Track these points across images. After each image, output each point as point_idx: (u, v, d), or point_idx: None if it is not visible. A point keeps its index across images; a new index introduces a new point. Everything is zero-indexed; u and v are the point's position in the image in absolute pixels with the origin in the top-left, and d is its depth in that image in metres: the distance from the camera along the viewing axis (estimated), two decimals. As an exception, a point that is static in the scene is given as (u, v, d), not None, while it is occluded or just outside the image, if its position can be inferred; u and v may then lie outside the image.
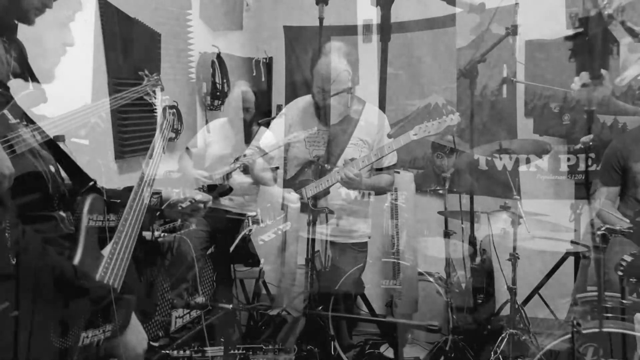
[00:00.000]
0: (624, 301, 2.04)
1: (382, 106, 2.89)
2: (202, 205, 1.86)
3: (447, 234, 3.27)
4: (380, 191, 2.75)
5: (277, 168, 2.98)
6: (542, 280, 2.98)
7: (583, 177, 3.34)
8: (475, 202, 3.12)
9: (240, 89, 3.26)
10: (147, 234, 2.42)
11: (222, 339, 2.13)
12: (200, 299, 2.16)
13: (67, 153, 1.42)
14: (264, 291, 3.28)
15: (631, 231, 2.11)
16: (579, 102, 3.45)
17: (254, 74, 4.25)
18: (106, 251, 1.40)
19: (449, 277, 3.03)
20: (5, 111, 1.23)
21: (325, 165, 2.52)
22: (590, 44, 3.23)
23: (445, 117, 2.34)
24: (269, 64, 4.34)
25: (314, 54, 2.62)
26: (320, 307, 2.49)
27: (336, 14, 3.61)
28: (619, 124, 3.40)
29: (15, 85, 1.29)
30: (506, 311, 2.95)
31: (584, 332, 1.99)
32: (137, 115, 2.80)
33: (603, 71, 3.28)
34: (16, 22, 1.30)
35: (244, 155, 2.80)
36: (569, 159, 3.43)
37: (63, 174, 1.38)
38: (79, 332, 1.23)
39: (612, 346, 1.96)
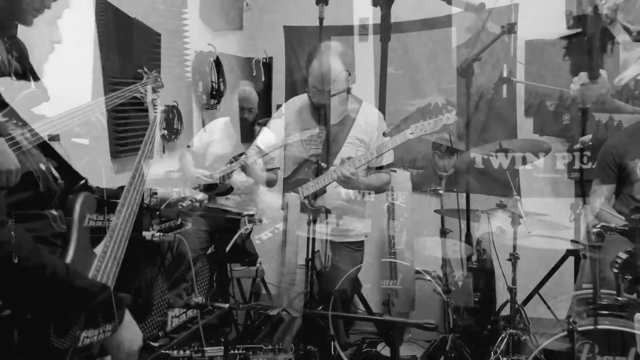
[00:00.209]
0: (619, 298, 2.04)
1: (382, 106, 2.89)
2: (198, 204, 1.86)
3: (443, 233, 3.28)
4: (377, 190, 2.74)
5: (278, 168, 2.98)
6: (542, 280, 2.98)
7: (579, 175, 3.35)
8: (472, 200, 3.12)
9: (243, 89, 3.26)
10: (147, 234, 2.42)
11: (221, 340, 2.13)
12: (199, 299, 2.16)
13: (58, 152, 1.42)
14: (263, 291, 3.28)
15: (626, 228, 2.12)
16: (574, 101, 3.46)
17: (254, 74, 4.25)
18: (98, 250, 1.40)
19: (446, 276, 3.03)
20: None
21: (322, 164, 2.51)
22: (586, 42, 3.23)
23: (442, 116, 2.34)
24: (269, 64, 4.34)
25: (310, 53, 2.60)
26: (321, 307, 2.49)
27: (336, 14, 3.61)
28: (614, 122, 3.41)
29: (17, 85, 1.30)
30: (506, 311, 2.96)
31: (580, 329, 2.00)
32: (132, 114, 2.80)
33: (601, 70, 3.28)
34: (16, 22, 1.30)
35: (244, 155, 2.80)
36: (564, 157, 3.43)
37: (55, 172, 1.38)
38: (77, 332, 1.23)
39: (608, 343, 1.96)
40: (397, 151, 3.83)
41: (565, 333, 2.04)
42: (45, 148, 1.38)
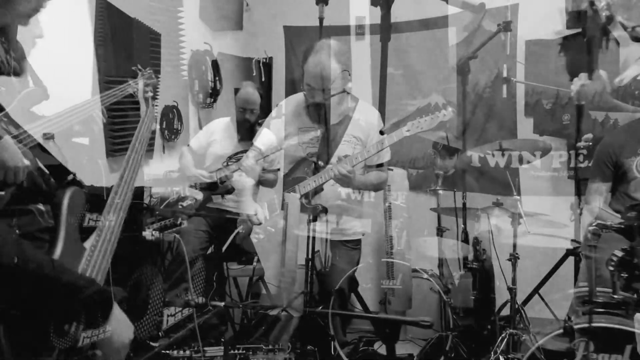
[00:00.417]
0: (615, 296, 2.05)
1: (382, 106, 2.89)
2: (192, 202, 1.87)
3: (440, 231, 3.28)
4: (374, 188, 2.73)
5: (278, 169, 2.98)
6: (542, 280, 2.98)
7: (574, 174, 3.38)
8: (471, 199, 3.13)
9: (246, 90, 3.26)
10: (147, 234, 2.43)
11: (221, 340, 2.13)
12: (200, 299, 2.17)
13: (51, 150, 1.42)
14: (263, 291, 3.28)
15: (622, 227, 2.12)
16: (571, 100, 3.47)
17: (254, 74, 4.25)
18: (88, 244, 1.40)
19: (443, 275, 3.04)
20: None
21: (319, 163, 2.50)
22: (584, 39, 3.24)
23: (438, 113, 2.33)
24: (269, 64, 4.34)
25: (306, 51, 2.59)
26: (321, 307, 2.49)
27: (336, 14, 3.61)
28: (611, 120, 3.42)
29: (17, 84, 1.30)
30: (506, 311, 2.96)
31: (575, 327, 2.00)
32: (127, 112, 2.80)
33: (601, 71, 3.28)
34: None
35: (244, 156, 2.80)
36: (560, 155, 3.44)
37: (44, 168, 1.38)
38: (69, 328, 1.22)
39: (604, 341, 1.96)
40: (397, 151, 3.84)
41: (561, 331, 2.04)
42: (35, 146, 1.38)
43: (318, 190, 2.50)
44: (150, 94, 1.95)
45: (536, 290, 2.98)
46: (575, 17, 3.22)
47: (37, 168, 1.35)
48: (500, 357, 2.46)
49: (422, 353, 2.90)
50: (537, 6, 3.60)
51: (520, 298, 2.78)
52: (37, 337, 1.20)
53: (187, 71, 3.67)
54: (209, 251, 3.13)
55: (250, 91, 3.26)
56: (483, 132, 3.79)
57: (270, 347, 2.18)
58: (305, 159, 2.61)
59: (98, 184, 1.65)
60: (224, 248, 2.83)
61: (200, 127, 3.84)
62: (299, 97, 2.71)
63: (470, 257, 2.97)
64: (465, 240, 3.06)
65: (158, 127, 3.46)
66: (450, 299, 2.85)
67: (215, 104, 3.95)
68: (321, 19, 2.72)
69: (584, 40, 3.07)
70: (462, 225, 3.07)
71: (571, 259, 2.94)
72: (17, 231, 1.23)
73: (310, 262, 2.32)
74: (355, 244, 2.79)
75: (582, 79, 3.31)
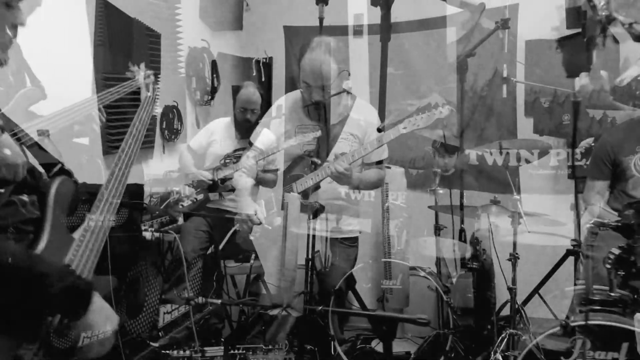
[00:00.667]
0: (612, 294, 2.05)
1: (382, 106, 2.89)
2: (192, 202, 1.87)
3: (437, 229, 3.28)
4: (371, 186, 2.73)
5: (278, 169, 2.98)
6: (542, 280, 2.98)
7: (571, 172, 3.38)
8: (470, 198, 3.13)
9: (247, 90, 3.26)
10: (147, 235, 2.43)
11: (222, 340, 2.13)
12: (200, 299, 2.17)
13: (47, 147, 1.41)
14: (263, 291, 3.28)
15: (619, 224, 2.12)
16: (568, 97, 3.47)
17: (254, 74, 4.25)
18: (77, 234, 1.38)
19: (445, 276, 3.04)
20: None
21: (316, 160, 2.50)
22: (580, 37, 3.24)
23: (435, 111, 2.33)
24: (269, 64, 4.34)
25: (302, 48, 2.58)
26: (320, 308, 2.49)
27: (336, 14, 3.61)
28: (609, 118, 3.42)
29: (15, 84, 1.30)
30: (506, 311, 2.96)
31: (572, 324, 2.00)
32: (123, 110, 2.80)
33: (602, 72, 3.29)
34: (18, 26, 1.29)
35: (245, 157, 2.80)
36: (558, 154, 3.44)
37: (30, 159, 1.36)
38: (53, 320, 1.20)
39: (601, 339, 1.97)
40: (397, 151, 3.85)
41: (558, 328, 2.04)
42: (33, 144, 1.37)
43: (315, 188, 2.50)
44: (152, 78, 1.93)
45: (536, 290, 2.98)
46: (574, 16, 3.21)
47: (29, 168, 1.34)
48: (499, 355, 2.46)
49: (420, 351, 2.90)
50: (537, 6, 3.60)
51: (520, 298, 2.77)
52: (16, 327, 1.18)
53: (185, 68, 3.67)
54: (209, 251, 3.13)
55: (251, 91, 3.26)
56: (483, 132, 3.79)
57: (267, 346, 2.18)
58: (303, 157, 2.60)
59: (100, 182, 1.64)
60: (220, 246, 2.84)
61: (198, 125, 3.83)
62: (296, 95, 2.70)
63: (468, 254, 2.97)
64: (463, 238, 3.06)
65: (158, 127, 3.46)
66: (450, 299, 2.85)
67: (213, 101, 3.95)
68: (321, 19, 2.72)
69: (583, 40, 3.07)
70: (460, 224, 3.07)
71: (571, 259, 2.94)
72: None
73: (310, 262, 2.32)
74: (352, 242, 2.79)
75: (583, 78, 3.31)
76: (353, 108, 2.65)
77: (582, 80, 3.39)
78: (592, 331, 1.97)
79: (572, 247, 2.86)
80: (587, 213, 2.81)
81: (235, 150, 3.18)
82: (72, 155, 1.92)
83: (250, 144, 2.81)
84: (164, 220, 2.52)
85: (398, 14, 3.76)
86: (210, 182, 2.97)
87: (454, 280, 2.99)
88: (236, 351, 2.23)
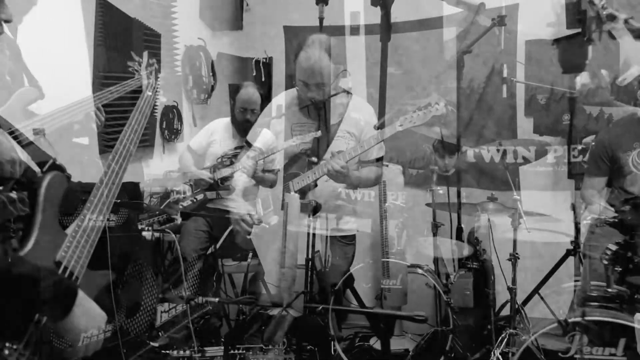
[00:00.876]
0: (609, 290, 2.05)
1: (382, 106, 2.88)
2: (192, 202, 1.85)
3: (435, 226, 3.28)
4: (368, 184, 2.72)
5: (278, 170, 2.98)
6: (542, 280, 2.98)
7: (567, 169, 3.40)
8: (469, 197, 3.13)
9: (247, 90, 3.26)
10: (147, 234, 2.43)
11: (222, 340, 2.13)
12: (200, 299, 2.16)
13: (42, 145, 1.40)
14: (263, 291, 3.28)
15: (616, 220, 2.12)
16: (564, 95, 3.48)
17: (254, 74, 4.25)
18: (69, 230, 1.37)
19: (439, 273, 3.04)
20: None
21: (312, 158, 2.49)
22: (579, 36, 3.23)
23: (431, 108, 2.32)
24: (268, 64, 4.34)
25: (297, 46, 2.58)
26: (320, 308, 2.49)
27: (336, 14, 3.61)
28: (605, 114, 3.42)
29: (12, 83, 1.30)
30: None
31: (569, 320, 2.00)
32: (119, 109, 2.80)
33: (603, 71, 3.29)
34: (3, 22, 1.28)
35: (245, 157, 2.80)
36: (555, 150, 3.45)
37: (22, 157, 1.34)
38: (40, 319, 1.19)
39: (598, 335, 1.97)
40: (397, 151, 3.84)
41: (555, 325, 2.04)
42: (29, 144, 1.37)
43: (312, 186, 2.49)
44: (156, 66, 1.91)
45: (536, 290, 2.98)
46: (573, 11, 3.21)
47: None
48: (498, 355, 2.46)
49: (418, 348, 2.90)
50: (537, 6, 3.60)
51: (519, 298, 2.78)
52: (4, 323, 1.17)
53: (181, 67, 3.67)
54: (209, 251, 3.13)
55: (251, 91, 3.26)
56: (482, 133, 3.79)
57: (267, 346, 2.18)
58: (300, 155, 2.60)
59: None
60: (217, 245, 2.84)
61: (195, 124, 3.83)
62: (292, 93, 2.70)
63: (465, 252, 2.98)
64: (460, 235, 3.07)
65: (158, 127, 3.46)
66: (450, 299, 2.85)
67: (210, 99, 3.95)
68: (321, 19, 2.72)
69: (582, 39, 3.07)
70: (459, 223, 3.08)
71: (571, 258, 2.95)
72: None
73: (310, 262, 2.32)
74: (350, 240, 2.79)
75: (584, 78, 3.32)
76: (350, 106, 2.65)
77: (584, 79, 3.39)
78: (590, 327, 1.97)
79: (572, 247, 2.87)
80: (587, 212, 2.81)
81: (232, 150, 3.18)
82: (72, 155, 1.92)
83: (247, 143, 2.82)
84: (160, 219, 2.51)
85: (398, 14, 3.76)
86: (211, 180, 2.97)
87: (454, 279, 2.99)
88: (236, 351, 2.22)
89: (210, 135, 3.32)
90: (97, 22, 2.68)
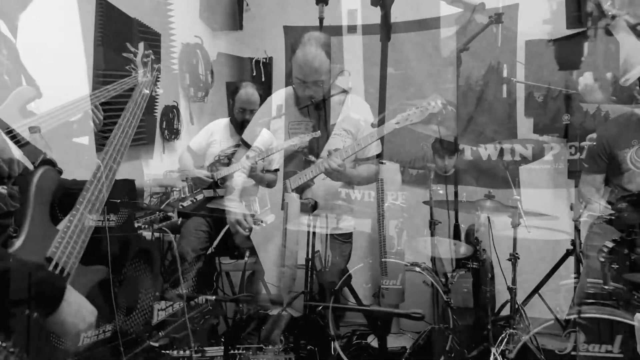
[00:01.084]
0: (605, 287, 2.05)
1: (382, 106, 2.88)
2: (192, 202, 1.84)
3: (432, 224, 3.28)
4: (365, 181, 2.72)
5: (278, 170, 2.98)
6: (542, 280, 2.98)
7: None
8: (467, 194, 3.13)
9: (246, 91, 3.26)
10: (147, 234, 2.42)
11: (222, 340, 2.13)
12: (200, 299, 2.16)
13: (38, 144, 1.39)
14: (263, 290, 3.28)
15: (613, 217, 2.12)
16: (561, 92, 3.48)
17: (254, 74, 4.25)
18: (61, 226, 1.36)
19: (436, 272, 3.04)
20: None
21: (309, 157, 2.49)
22: (578, 36, 3.24)
23: (427, 105, 2.32)
24: (269, 64, 4.34)
25: (293, 44, 2.57)
26: (320, 308, 2.48)
27: (336, 14, 3.61)
28: (602, 112, 3.42)
29: (10, 83, 1.29)
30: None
31: (566, 318, 2.01)
32: (115, 107, 2.79)
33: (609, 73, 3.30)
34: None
35: (245, 157, 2.80)
36: (552, 148, 3.45)
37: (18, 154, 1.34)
38: (31, 314, 1.18)
39: (595, 332, 1.97)
40: (397, 151, 3.84)
41: (552, 322, 2.04)
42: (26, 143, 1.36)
43: (308, 184, 2.49)
44: (152, 57, 1.89)
45: (536, 290, 2.98)
46: (572, 7, 3.21)
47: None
48: (498, 355, 2.46)
49: (415, 345, 2.91)
50: (537, 6, 3.60)
51: (519, 298, 2.78)
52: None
53: (178, 65, 3.66)
54: (209, 251, 3.14)
55: (250, 91, 3.26)
56: (482, 133, 3.79)
57: (267, 345, 2.18)
58: (297, 154, 2.60)
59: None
60: (214, 244, 2.84)
61: (192, 122, 3.83)
62: (288, 90, 2.70)
63: (463, 250, 2.97)
64: (457, 232, 3.07)
65: (158, 127, 3.46)
66: (450, 299, 2.85)
67: (207, 97, 3.94)
68: (321, 19, 2.73)
69: (580, 36, 3.08)
70: (456, 221, 3.08)
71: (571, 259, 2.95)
72: None
73: (310, 262, 2.32)
74: (347, 237, 2.79)
75: (587, 78, 3.32)
76: (346, 104, 2.65)
77: (586, 80, 3.39)
78: (586, 325, 1.97)
79: (572, 247, 2.87)
80: (585, 210, 2.82)
81: (228, 148, 3.19)
82: (72, 155, 1.92)
83: (243, 141, 2.82)
84: (157, 218, 2.51)
85: (397, 14, 3.76)
86: (210, 180, 2.98)
87: (454, 279, 2.99)
88: (236, 351, 2.22)
89: (210, 135, 3.32)
90: (97, 22, 2.68)
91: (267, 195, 2.78)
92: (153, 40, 3.28)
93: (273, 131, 2.66)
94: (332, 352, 2.66)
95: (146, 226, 2.02)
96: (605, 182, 2.87)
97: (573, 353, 1.97)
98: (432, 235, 3.28)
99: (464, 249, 3.00)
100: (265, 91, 4.28)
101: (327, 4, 2.72)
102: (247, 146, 2.78)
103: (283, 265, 2.64)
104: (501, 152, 2.71)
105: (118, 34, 2.81)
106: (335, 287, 2.64)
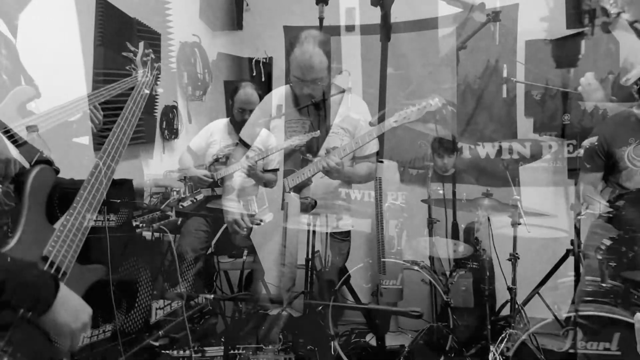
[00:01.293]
0: (603, 285, 2.05)
1: (382, 106, 2.88)
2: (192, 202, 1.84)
3: (430, 222, 3.28)
4: (363, 180, 2.72)
5: (277, 169, 2.98)
6: (542, 280, 2.98)
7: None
8: (466, 192, 3.14)
9: (245, 91, 3.26)
10: (147, 234, 2.42)
11: (222, 340, 2.13)
12: (201, 299, 2.17)
13: (35, 143, 1.39)
14: (263, 290, 3.28)
15: (611, 215, 2.12)
16: (559, 91, 3.48)
17: (254, 74, 4.25)
18: (57, 225, 1.35)
19: (435, 270, 3.04)
20: None
21: (307, 155, 2.49)
22: (578, 35, 3.24)
23: (425, 103, 2.32)
24: (269, 64, 4.34)
25: (291, 42, 2.57)
26: (320, 308, 2.49)
27: (336, 13, 3.60)
28: (599, 110, 3.42)
29: (8, 82, 1.29)
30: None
31: (564, 315, 2.01)
32: (115, 107, 2.79)
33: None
34: None
35: (245, 157, 2.80)
36: (550, 147, 3.45)
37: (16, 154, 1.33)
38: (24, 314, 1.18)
39: (593, 329, 1.97)
40: (397, 151, 3.84)
41: (551, 319, 2.05)
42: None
43: (306, 183, 2.49)
44: (152, 56, 1.89)
45: (536, 290, 2.98)
46: (572, 4, 3.20)
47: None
48: (497, 355, 2.46)
49: (414, 344, 2.91)
50: (537, 6, 3.60)
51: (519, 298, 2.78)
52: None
53: (176, 63, 3.66)
54: (209, 251, 3.14)
55: (250, 92, 3.26)
56: (482, 133, 3.79)
57: (267, 345, 2.18)
58: (294, 152, 2.60)
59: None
60: (212, 243, 2.84)
61: (190, 120, 3.83)
62: (285, 89, 2.70)
63: (461, 249, 2.97)
64: (455, 231, 3.06)
65: (158, 127, 3.46)
66: (450, 299, 2.85)
67: (205, 96, 3.94)
68: (321, 19, 2.72)
69: (578, 34, 3.07)
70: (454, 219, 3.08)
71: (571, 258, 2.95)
72: None
73: (310, 262, 2.32)
74: (345, 236, 2.79)
75: (588, 78, 3.31)
76: (344, 102, 2.65)
77: (588, 79, 3.38)
78: (584, 323, 1.97)
79: (571, 247, 2.86)
80: (584, 208, 2.82)
81: (226, 147, 3.19)
82: (72, 155, 1.92)
83: (241, 140, 2.82)
84: (156, 216, 2.51)
85: (396, 14, 3.76)
86: (210, 179, 2.98)
87: (455, 279, 2.99)
88: (236, 351, 2.23)
89: (209, 136, 3.32)
90: (97, 22, 2.68)
91: (265, 194, 2.78)
92: (153, 39, 3.28)
93: (271, 129, 2.66)
94: (332, 352, 2.67)
95: (144, 225, 2.01)
96: (604, 180, 2.87)
97: (572, 351, 1.97)
98: (430, 233, 3.28)
99: (462, 249, 3.00)
100: (265, 91, 4.27)
101: (327, 3, 2.72)
102: (245, 145, 2.78)
103: (283, 264, 2.64)
104: (499, 151, 2.71)
105: (118, 33, 2.81)
106: (335, 287, 2.64)
